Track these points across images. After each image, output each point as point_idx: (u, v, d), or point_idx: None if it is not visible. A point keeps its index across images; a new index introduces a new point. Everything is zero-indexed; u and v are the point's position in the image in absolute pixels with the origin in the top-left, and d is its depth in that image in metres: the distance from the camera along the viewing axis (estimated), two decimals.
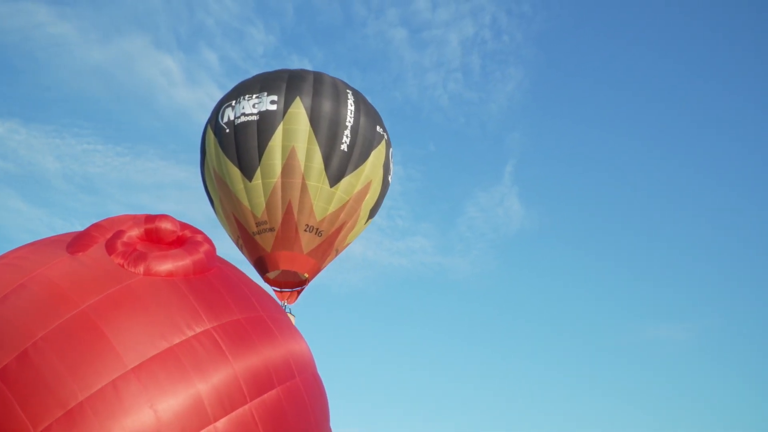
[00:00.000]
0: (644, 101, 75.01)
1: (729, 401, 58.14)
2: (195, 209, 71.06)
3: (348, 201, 24.22)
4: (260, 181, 23.30)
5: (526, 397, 60.38)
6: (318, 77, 24.61)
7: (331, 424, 7.90)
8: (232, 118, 23.84)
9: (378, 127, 25.19)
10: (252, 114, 23.52)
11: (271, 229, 23.58)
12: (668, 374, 61.56)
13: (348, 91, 24.75)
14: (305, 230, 23.65)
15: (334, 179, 23.71)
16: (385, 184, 25.91)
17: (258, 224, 23.65)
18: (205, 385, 5.98)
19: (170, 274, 6.35)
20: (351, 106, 24.28)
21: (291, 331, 7.39)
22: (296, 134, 23.26)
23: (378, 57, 76.51)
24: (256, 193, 23.39)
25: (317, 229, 23.82)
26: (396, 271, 69.77)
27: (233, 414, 6.08)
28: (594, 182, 73.46)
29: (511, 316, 66.29)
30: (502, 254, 70.26)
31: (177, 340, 6.03)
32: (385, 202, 26.77)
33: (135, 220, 6.65)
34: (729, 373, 60.65)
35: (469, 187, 70.97)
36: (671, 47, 74.64)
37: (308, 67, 76.30)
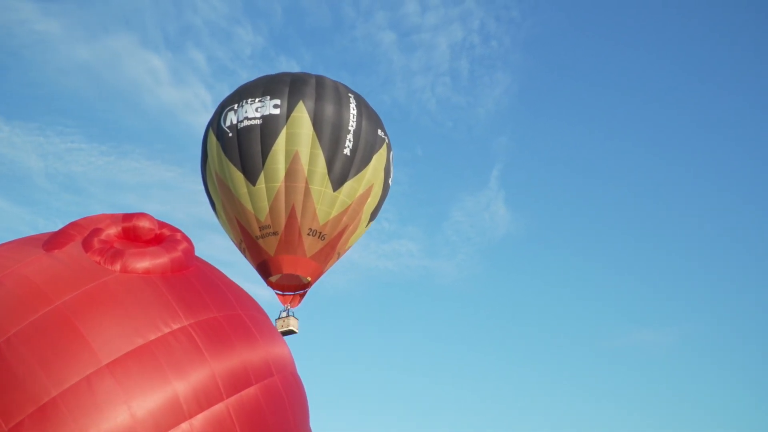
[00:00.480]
0: (631, 108, 75.27)
1: (711, 402, 59.03)
2: (181, 210, 70.55)
3: (350, 205, 24.21)
4: (264, 185, 23.31)
5: (511, 399, 60.92)
6: (320, 81, 24.63)
7: (316, 425, 7.84)
8: (234, 121, 23.86)
9: (379, 131, 25.19)
10: (255, 118, 23.54)
11: (275, 233, 23.58)
12: (652, 376, 62.58)
13: (350, 94, 24.77)
14: (308, 234, 23.64)
15: (337, 183, 23.70)
16: (386, 187, 25.90)
17: (261, 228, 23.65)
18: (180, 381, 5.91)
19: (147, 272, 6.30)
20: (353, 110, 24.29)
21: (270, 330, 7.32)
22: (300, 138, 23.27)
23: (366, 60, 76.30)
24: (260, 197, 23.40)
25: (320, 232, 23.81)
26: (382, 274, 69.78)
27: (209, 411, 6.02)
28: (580, 188, 73.83)
29: (496, 320, 67.33)
30: (487, 258, 71.46)
31: (153, 337, 5.96)
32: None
33: (113, 218, 6.61)
34: (711, 375, 61.86)
35: (456, 192, 71.91)
36: (659, 52, 74.87)
37: (296, 69, 75.61)
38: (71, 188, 67.65)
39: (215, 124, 24.60)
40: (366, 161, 24.35)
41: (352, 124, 23.98)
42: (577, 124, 76.12)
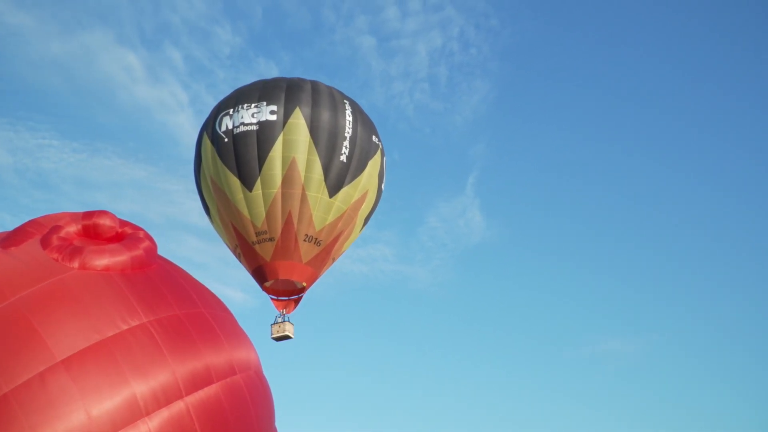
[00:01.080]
0: (609, 118, 75.44)
1: (676, 411, 58.66)
2: (153, 210, 69.09)
3: (346, 211, 24.22)
4: (260, 191, 23.34)
5: (483, 404, 60.78)
6: (315, 86, 24.68)
7: (285, 428, 7.80)
8: (230, 127, 23.91)
9: (374, 137, 25.22)
10: (251, 124, 23.59)
11: (271, 239, 23.60)
12: (618, 385, 62.29)
13: (345, 101, 24.82)
14: (305, 240, 23.65)
15: (334, 189, 23.72)
16: (379, 192, 25.94)
17: (258, 234, 23.68)
18: (138, 379, 5.85)
19: (107, 269, 6.25)
20: (349, 117, 24.32)
21: (234, 329, 7.27)
22: (296, 145, 23.31)
23: (345, 64, 76.11)
24: (257, 203, 23.43)
25: (316, 238, 23.82)
26: (356, 277, 69.54)
27: (167, 409, 5.97)
28: (555, 197, 73.78)
29: (468, 326, 66.62)
30: (461, 265, 70.94)
31: (110, 333, 5.91)
32: None
33: (73, 216, 6.59)
34: (676, 384, 61.80)
35: (432, 197, 71.43)
36: (637, 61, 75.06)
37: (275, 70, 74.71)
38: (41, 185, 66.19)
39: (210, 128, 24.62)
40: (361, 168, 24.37)
41: (348, 131, 24.01)
42: (554, 134, 76.48)
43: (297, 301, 24.98)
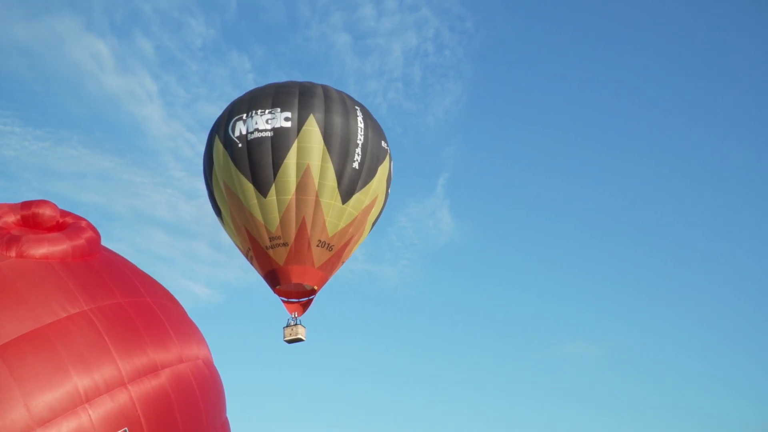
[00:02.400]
0: (578, 123, 77.32)
1: (635, 413, 61.41)
2: (119, 202, 67.95)
3: (357, 216, 24.87)
4: (275, 197, 23.72)
5: (446, 404, 62.07)
6: (326, 92, 24.98)
7: (237, 425, 7.98)
8: (244, 132, 24.06)
9: (383, 143, 25.79)
10: (266, 130, 23.81)
11: (285, 244, 24.09)
12: (581, 387, 64.84)
13: (356, 107, 25.24)
14: (318, 245, 24.24)
15: (346, 196, 24.29)
16: (387, 196, 26.61)
17: (272, 239, 24.11)
18: (78, 366, 5.75)
19: (45, 257, 6.17)
20: (360, 123, 24.80)
21: (181, 319, 7.29)
22: (311, 152, 23.69)
23: (320, 60, 75.16)
24: (271, 209, 23.81)
25: (329, 244, 24.44)
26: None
27: (109, 396, 5.88)
28: (523, 201, 75.52)
29: (435, 326, 68.18)
30: (429, 265, 72.23)
31: (48, 321, 5.81)
32: None
33: (11, 206, 6.56)
34: (637, 386, 64.62)
35: (402, 197, 71.53)
36: (608, 68, 77.06)
37: (247, 64, 72.91)
38: (1, 173, 64.10)
39: (222, 132, 24.68)
40: (372, 174, 24.98)
41: (360, 138, 24.51)
42: (525, 138, 77.77)
43: (307, 305, 25.63)
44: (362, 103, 25.98)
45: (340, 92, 25.56)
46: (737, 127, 73.62)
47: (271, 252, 24.28)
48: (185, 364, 6.79)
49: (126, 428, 6.04)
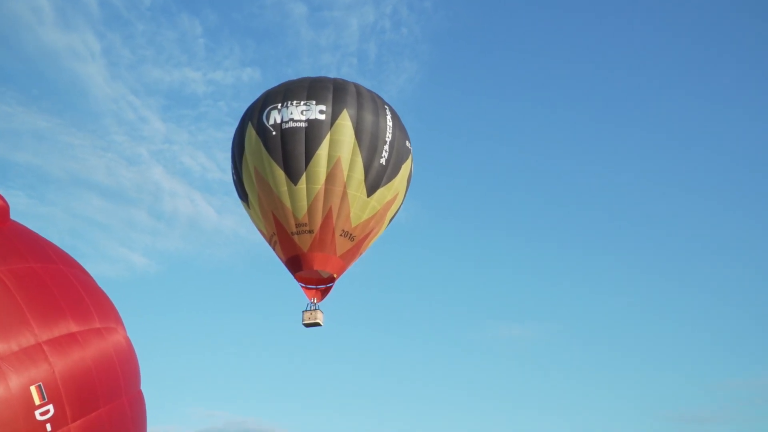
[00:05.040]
0: (530, 108, 78.38)
1: (571, 394, 63.65)
2: (55, 164, 65.14)
3: (379, 210, 25.99)
4: (305, 185, 24.73)
5: (386, 383, 63.20)
6: (359, 90, 26.09)
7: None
8: (278, 121, 25.05)
9: (407, 142, 26.96)
10: (300, 120, 24.83)
11: (310, 231, 25.09)
12: (517, 368, 66.46)
13: (386, 106, 26.39)
14: (341, 235, 25.30)
15: (371, 190, 25.41)
16: (406, 194, 27.80)
17: (298, 225, 25.11)
18: None
19: None
20: (389, 122, 25.95)
21: (96, 289, 7.45)
22: (342, 145, 24.77)
23: (274, 30, 73.74)
24: (300, 197, 24.81)
25: (351, 234, 25.51)
26: (267, 250, 68.22)
27: (24, 353, 5.99)
28: (472, 183, 76.22)
29: (377, 308, 69.26)
30: (376, 246, 73.16)
31: None
32: None
33: None
34: (572, 368, 66.48)
35: None
36: (564, 53, 78.42)
37: (198, 29, 69.69)
38: None
39: (256, 119, 25.61)
40: (396, 171, 26.12)
41: (388, 135, 25.66)
42: (477, 119, 78.24)
43: (325, 291, 26.62)
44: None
45: (370, 91, 26.69)
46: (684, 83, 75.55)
47: (296, 238, 25.26)
48: (104, 333, 6.79)
49: (41, 383, 6.07)
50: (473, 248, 73.59)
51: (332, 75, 26.60)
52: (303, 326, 26.25)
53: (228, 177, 27.54)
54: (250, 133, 25.73)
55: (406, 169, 26.80)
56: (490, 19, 78.64)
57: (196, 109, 74.45)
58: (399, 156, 26.21)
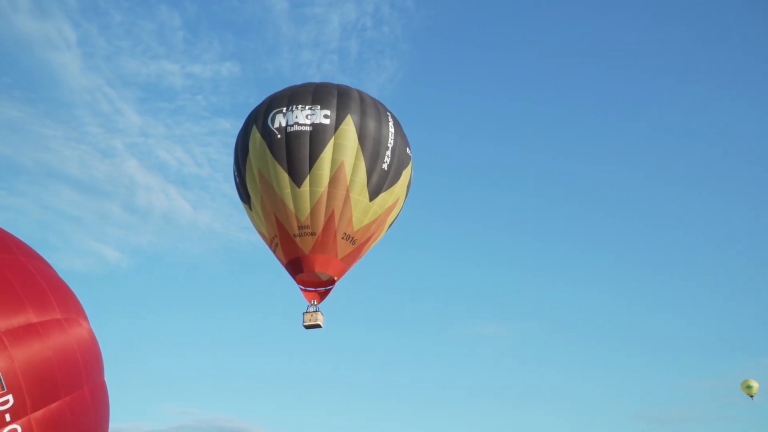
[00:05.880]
0: (511, 106, 79.38)
1: (542, 390, 66.86)
2: (27, 155, 64.68)
3: (380, 215, 26.38)
4: (308, 188, 25.09)
5: (366, 378, 64.59)
6: (362, 96, 26.59)
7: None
8: (283, 124, 25.46)
9: (407, 149, 27.43)
10: (305, 124, 25.26)
11: (312, 234, 25.41)
12: (491, 365, 69.43)
13: (388, 113, 26.89)
14: (342, 238, 25.63)
15: (374, 194, 25.80)
16: (405, 200, 28.21)
17: (300, 227, 25.42)
18: None
19: None
20: (391, 128, 26.44)
21: (57, 280, 7.55)
22: (346, 149, 25.19)
23: (255, 24, 73.34)
24: (303, 199, 25.16)
25: (352, 237, 25.86)
26: (242, 246, 68.45)
27: None
28: (447, 182, 77.24)
29: (347, 305, 69.26)
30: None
31: None
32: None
33: None
34: (543, 365, 70.00)
35: None
36: (543, 54, 79.49)
37: (177, 20, 67.83)
38: None
39: (260, 122, 26.01)
40: (397, 176, 26.55)
41: (390, 141, 26.12)
42: (457, 119, 78.73)
43: (324, 294, 26.89)
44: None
45: (373, 98, 27.17)
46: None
47: (298, 240, 25.57)
48: (65, 324, 6.79)
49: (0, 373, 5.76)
50: (452, 246, 74.17)
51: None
52: (303, 328, 26.48)
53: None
54: (255, 135, 26.11)
55: (406, 175, 27.23)
56: (471, 19, 79.26)
57: (173, 103, 73.48)
58: (400, 162, 26.64)
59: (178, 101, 72.40)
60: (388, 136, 26.15)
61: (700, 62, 77.74)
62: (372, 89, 71.65)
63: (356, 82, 72.82)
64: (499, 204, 76.24)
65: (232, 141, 27.62)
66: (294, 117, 25.44)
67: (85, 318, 7.74)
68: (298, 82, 26.60)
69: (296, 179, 25.15)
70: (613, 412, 61.88)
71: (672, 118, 77.64)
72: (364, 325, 68.13)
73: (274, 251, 26.68)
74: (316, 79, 27.25)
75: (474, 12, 79.43)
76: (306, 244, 25.58)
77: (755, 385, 47.29)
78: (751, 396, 47.30)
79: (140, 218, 68.59)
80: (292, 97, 26.09)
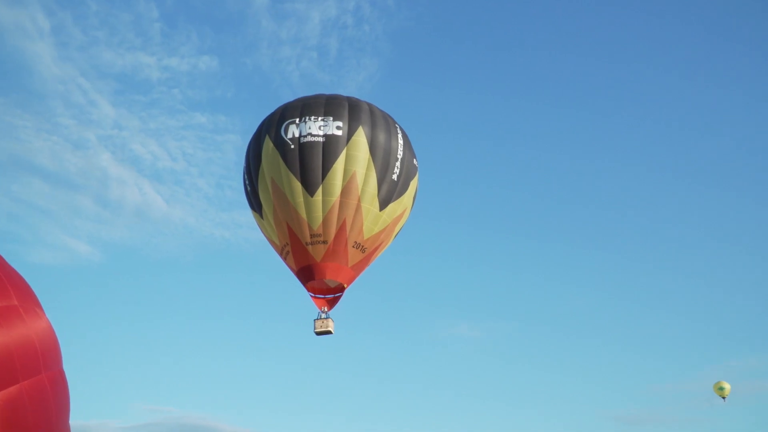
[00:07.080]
0: (490, 105, 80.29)
1: (513, 389, 68.40)
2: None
3: (389, 224, 27.18)
4: (321, 197, 25.78)
5: (342, 379, 65.18)
6: (372, 109, 27.36)
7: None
8: (296, 135, 26.12)
9: (414, 160, 28.27)
10: (318, 135, 25.95)
11: (324, 242, 26.11)
12: (463, 365, 70.63)
13: (396, 125, 27.71)
14: (353, 246, 26.37)
15: (384, 204, 26.60)
16: (411, 209, 29.06)
17: (312, 236, 26.09)
18: None
19: None
20: (400, 140, 27.26)
21: (12, 272, 7.66)
22: (357, 160, 25.94)
23: (234, 18, 72.39)
24: (316, 208, 25.84)
25: (363, 246, 26.62)
26: (217, 242, 68.00)
27: None
28: (432, 180, 77.75)
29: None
30: None
31: None
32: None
33: None
34: (514, 365, 71.47)
35: None
36: (527, 49, 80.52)
37: (155, 12, 65.97)
38: None
39: (273, 133, 26.61)
40: (406, 187, 27.38)
41: (399, 153, 26.94)
42: (437, 117, 79.15)
43: (334, 301, 27.60)
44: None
45: (382, 111, 27.96)
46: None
47: (310, 248, 26.24)
48: (21, 311, 6.85)
49: None
50: (428, 248, 74.87)
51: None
52: (315, 335, 27.16)
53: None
54: (268, 145, 26.69)
55: (413, 185, 28.07)
56: (452, 19, 79.58)
57: (148, 95, 72.41)
58: (408, 173, 27.47)
59: (154, 94, 71.65)
60: (397, 147, 26.95)
61: (702, 59, 79.52)
62: (351, 87, 71.94)
63: (336, 79, 74.20)
64: (486, 203, 77.04)
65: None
66: (307, 128, 26.10)
67: (41, 308, 7.75)
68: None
69: (309, 188, 25.82)
70: (581, 412, 63.45)
71: (672, 117, 79.30)
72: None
73: (285, 259, 27.30)
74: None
75: (455, 11, 79.91)
76: (318, 252, 26.26)
77: (727, 386, 49.15)
78: (723, 398, 49.18)
79: (112, 212, 67.92)
80: (304, 108, 26.73)
